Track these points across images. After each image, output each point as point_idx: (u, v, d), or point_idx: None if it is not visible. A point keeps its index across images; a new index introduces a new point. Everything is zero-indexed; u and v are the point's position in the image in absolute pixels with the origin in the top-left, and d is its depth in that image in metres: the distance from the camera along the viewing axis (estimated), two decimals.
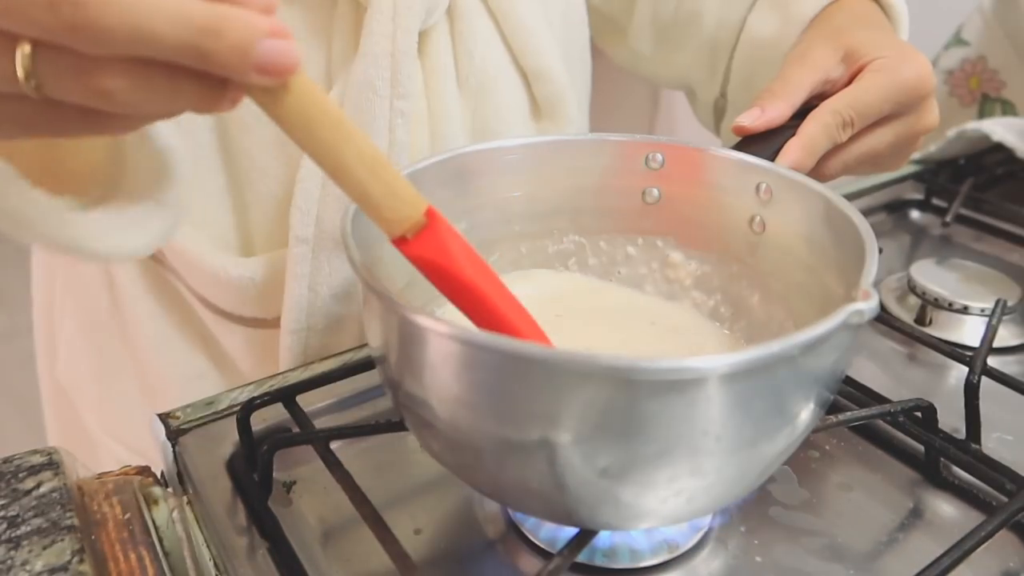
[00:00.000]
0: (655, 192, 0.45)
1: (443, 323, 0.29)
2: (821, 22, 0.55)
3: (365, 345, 0.51)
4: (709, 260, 0.45)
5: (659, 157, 0.44)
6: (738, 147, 0.46)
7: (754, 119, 0.47)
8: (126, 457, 0.64)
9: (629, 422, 0.28)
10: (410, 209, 0.32)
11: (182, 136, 0.53)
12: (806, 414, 0.32)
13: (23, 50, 0.24)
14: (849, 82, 0.49)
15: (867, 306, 0.30)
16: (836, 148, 0.48)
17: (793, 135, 0.46)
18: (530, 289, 0.45)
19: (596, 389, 0.28)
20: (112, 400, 0.64)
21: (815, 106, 0.47)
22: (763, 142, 0.46)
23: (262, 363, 0.57)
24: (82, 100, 0.25)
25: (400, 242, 0.32)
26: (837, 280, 0.38)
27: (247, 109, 0.51)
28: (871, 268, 0.33)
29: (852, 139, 0.48)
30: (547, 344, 0.36)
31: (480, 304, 0.34)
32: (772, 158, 0.44)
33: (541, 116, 0.59)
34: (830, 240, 0.39)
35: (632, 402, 0.28)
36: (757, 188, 0.42)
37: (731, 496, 0.34)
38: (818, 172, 0.48)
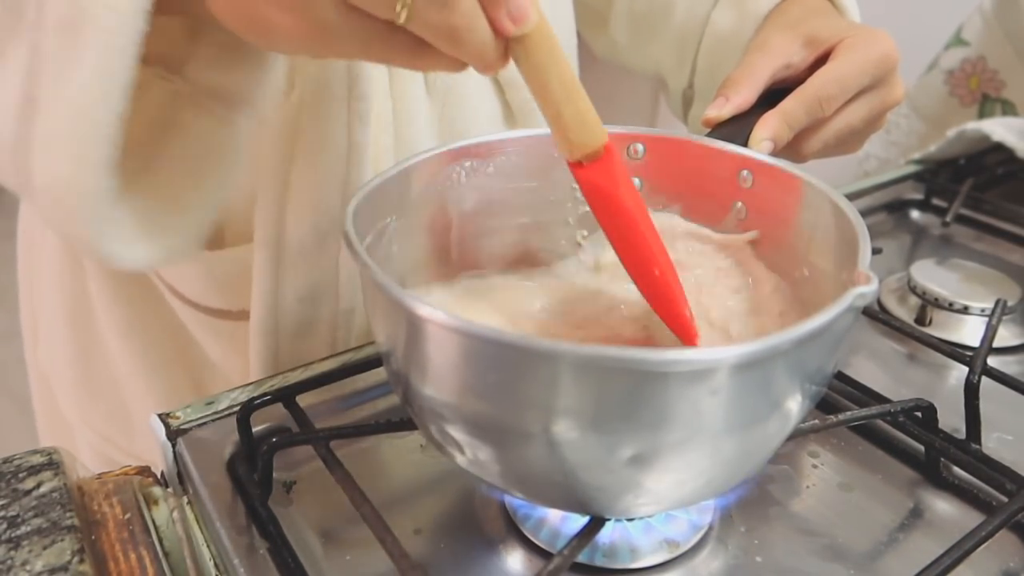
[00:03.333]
0: (637, 182, 0.45)
1: (455, 318, 0.29)
2: (777, 16, 0.57)
3: (365, 345, 0.51)
4: (697, 245, 0.45)
5: (640, 148, 0.45)
6: (709, 136, 0.46)
7: (720, 108, 0.48)
8: (97, 443, 0.65)
9: (646, 412, 0.29)
10: (592, 138, 0.35)
11: None
12: (812, 391, 0.33)
13: None
14: (815, 65, 0.50)
15: (869, 289, 0.31)
16: (816, 125, 0.49)
17: (764, 112, 0.47)
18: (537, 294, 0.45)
19: (608, 382, 0.28)
20: (85, 386, 0.65)
21: (779, 91, 0.48)
22: (732, 129, 0.47)
23: (229, 352, 0.57)
24: (430, 36, 0.31)
25: (576, 166, 0.36)
26: (825, 260, 0.39)
27: None
28: (865, 251, 0.34)
29: (831, 115, 0.49)
30: (681, 297, 0.38)
31: (633, 239, 0.37)
32: (745, 143, 0.45)
33: (515, 123, 0.59)
34: (815, 223, 0.39)
35: (649, 392, 0.28)
36: (739, 175, 0.43)
37: (742, 476, 0.35)
38: (797, 151, 0.49)
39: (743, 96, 0.48)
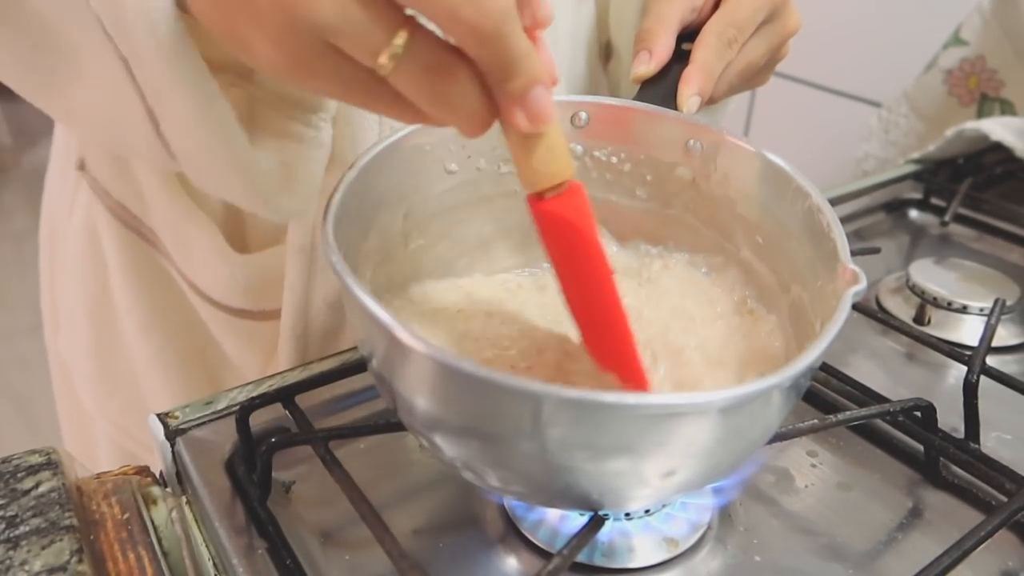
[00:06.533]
0: (579, 148, 0.45)
1: (433, 347, 0.28)
2: None
3: None
4: (650, 213, 0.46)
5: (583, 115, 0.44)
6: (639, 94, 0.46)
7: (647, 63, 0.47)
8: (115, 435, 0.66)
9: (639, 443, 0.29)
10: (560, 169, 0.33)
11: None
12: (800, 392, 0.33)
13: (400, 38, 0.27)
14: (715, 7, 0.49)
15: (861, 287, 0.31)
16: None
17: (683, 66, 0.46)
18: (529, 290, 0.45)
19: (599, 422, 0.28)
20: (103, 378, 0.66)
21: (682, 36, 0.48)
22: (659, 83, 0.47)
23: (248, 351, 0.58)
24: (413, 94, 0.29)
25: (535, 198, 0.33)
26: (779, 227, 0.39)
27: None
28: (842, 242, 0.34)
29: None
30: (628, 336, 0.36)
31: (591, 278, 0.35)
32: (673, 94, 0.45)
33: None
34: (766, 195, 0.40)
35: (641, 429, 0.28)
36: (686, 144, 0.43)
37: (732, 471, 0.36)
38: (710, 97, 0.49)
39: (663, 46, 0.47)
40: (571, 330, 0.40)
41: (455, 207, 0.44)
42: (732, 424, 0.29)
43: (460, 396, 0.29)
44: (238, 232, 0.57)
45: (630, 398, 0.27)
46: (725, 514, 0.40)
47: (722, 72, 0.48)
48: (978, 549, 0.36)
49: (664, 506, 0.39)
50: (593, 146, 0.45)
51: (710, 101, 0.48)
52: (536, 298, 0.44)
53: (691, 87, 0.45)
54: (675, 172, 0.44)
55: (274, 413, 0.45)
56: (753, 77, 0.52)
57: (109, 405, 0.66)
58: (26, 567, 0.32)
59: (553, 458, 0.29)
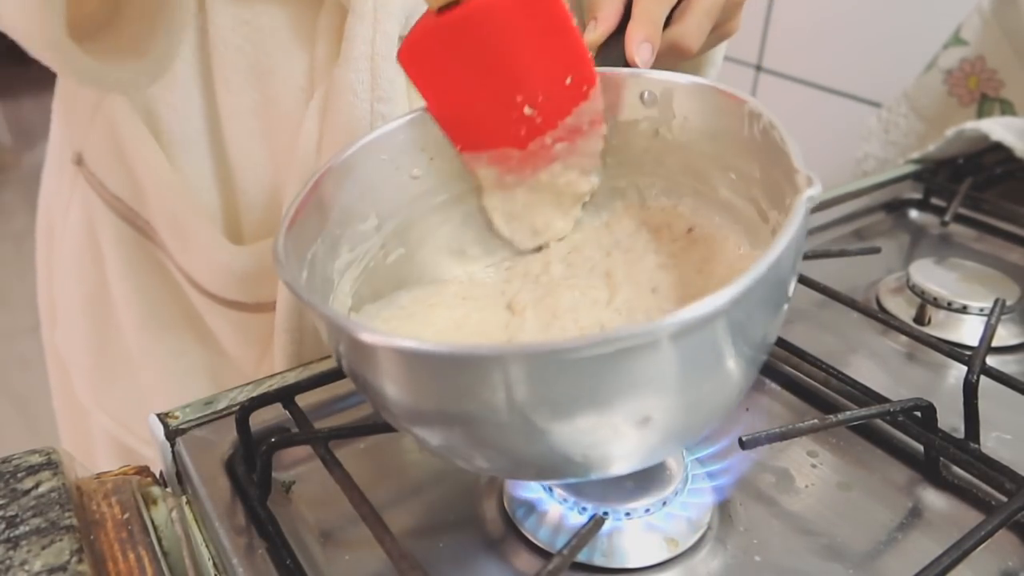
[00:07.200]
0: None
1: (387, 336, 0.28)
2: None
3: None
4: (616, 176, 0.45)
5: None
6: (596, 63, 0.45)
7: (594, 30, 0.47)
8: (112, 429, 0.66)
9: (599, 391, 0.28)
10: None
11: (176, 119, 0.54)
12: (783, 311, 0.33)
13: None
14: None
15: (815, 190, 0.31)
16: (683, 12, 0.47)
17: None
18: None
19: (564, 373, 0.28)
20: (101, 372, 0.66)
21: None
22: (612, 47, 0.46)
23: (244, 343, 0.58)
24: None
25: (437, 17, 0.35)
26: (743, 157, 0.39)
27: (236, 97, 0.51)
28: (795, 151, 0.33)
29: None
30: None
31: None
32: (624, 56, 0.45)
33: None
34: (726, 126, 0.39)
35: (600, 370, 0.28)
36: (641, 97, 0.42)
37: (715, 418, 0.34)
38: (683, 47, 0.48)
39: (608, 11, 0.46)
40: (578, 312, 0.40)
41: (430, 211, 0.44)
42: (690, 354, 0.28)
43: (418, 376, 0.29)
44: (234, 223, 0.57)
45: (576, 340, 0.27)
46: (725, 514, 0.40)
47: (685, 16, 0.46)
48: (978, 549, 0.36)
49: (664, 504, 0.39)
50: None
51: (688, 53, 0.47)
52: (528, 284, 0.44)
53: (636, 37, 0.44)
54: (638, 129, 0.43)
55: (274, 413, 0.45)
56: (729, 22, 0.50)
57: (107, 400, 0.66)
58: (26, 567, 0.32)
59: (521, 421, 0.29)
